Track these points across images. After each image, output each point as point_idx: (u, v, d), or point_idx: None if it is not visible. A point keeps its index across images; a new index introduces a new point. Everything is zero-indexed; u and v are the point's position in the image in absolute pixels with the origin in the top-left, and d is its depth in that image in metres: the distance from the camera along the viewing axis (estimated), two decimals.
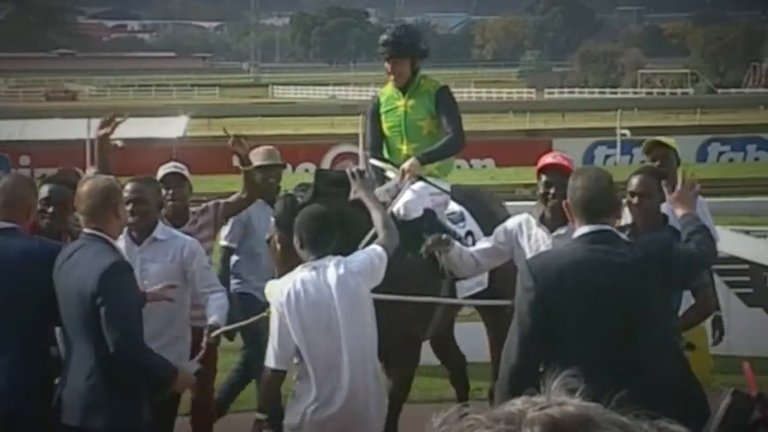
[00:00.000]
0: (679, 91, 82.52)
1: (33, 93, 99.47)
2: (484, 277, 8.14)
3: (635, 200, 6.97)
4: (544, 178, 7.31)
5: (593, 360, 5.37)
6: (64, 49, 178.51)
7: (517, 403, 1.22)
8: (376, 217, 6.96)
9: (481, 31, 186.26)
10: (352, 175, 7.13)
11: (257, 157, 8.58)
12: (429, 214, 7.95)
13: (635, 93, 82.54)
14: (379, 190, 7.70)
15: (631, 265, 5.65)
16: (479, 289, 8.19)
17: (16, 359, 6.24)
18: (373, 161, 8.12)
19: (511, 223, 7.52)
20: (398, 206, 7.81)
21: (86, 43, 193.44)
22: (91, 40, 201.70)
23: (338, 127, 33.52)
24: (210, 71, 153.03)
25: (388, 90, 8.32)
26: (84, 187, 6.28)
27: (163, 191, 7.87)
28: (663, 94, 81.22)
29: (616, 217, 5.96)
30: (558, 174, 7.11)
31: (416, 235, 7.62)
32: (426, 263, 7.69)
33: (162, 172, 8.25)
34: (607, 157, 35.64)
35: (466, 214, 8.37)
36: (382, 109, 8.27)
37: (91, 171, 8.33)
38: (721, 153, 37.59)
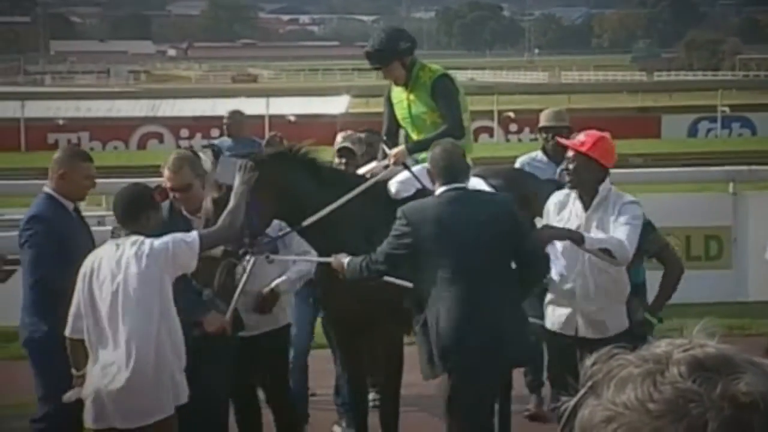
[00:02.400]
0: None
1: (221, 76, 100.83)
2: None
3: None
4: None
5: (453, 293, 5.94)
6: (247, 39, 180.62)
7: (662, 345, 1.20)
8: (227, 210, 6.17)
9: (599, 22, 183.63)
10: (240, 168, 6.36)
11: None
12: (421, 193, 6.89)
13: (733, 75, 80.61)
14: (364, 170, 7.16)
15: (483, 216, 6.07)
16: None
17: None
18: (384, 147, 7.30)
19: (550, 200, 6.57)
20: (391, 184, 7.02)
21: (265, 35, 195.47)
22: (269, 31, 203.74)
23: (476, 105, 33.26)
24: None
25: None
26: None
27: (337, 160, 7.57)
28: (758, 76, 79.15)
29: (466, 177, 6.29)
30: (582, 158, 6.26)
31: None
32: None
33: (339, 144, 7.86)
34: (708, 131, 34.91)
35: None
36: (393, 100, 7.42)
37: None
38: None
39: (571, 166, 6.25)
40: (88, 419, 5.74)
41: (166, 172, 6.56)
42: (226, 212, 6.13)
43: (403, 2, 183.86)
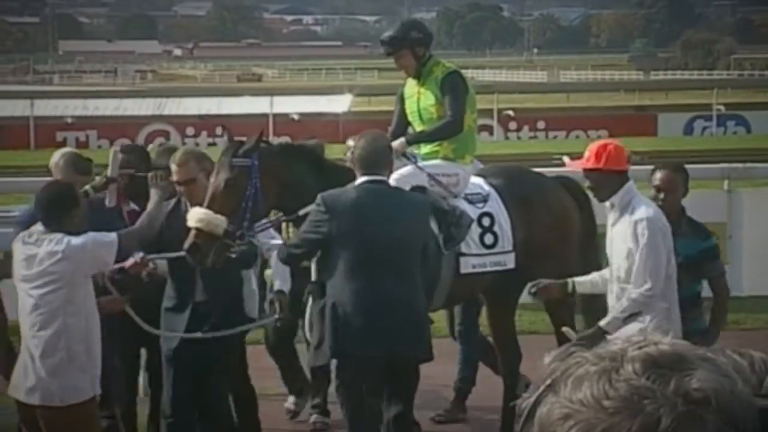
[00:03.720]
0: (767, 72, 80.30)
1: (226, 76, 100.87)
2: (507, 258, 7.23)
3: (661, 196, 6.30)
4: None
5: (355, 283, 6.06)
6: (251, 39, 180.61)
7: (618, 343, 1.21)
8: (147, 212, 6.32)
9: (596, 22, 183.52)
10: (152, 178, 6.44)
11: None
12: (417, 191, 6.87)
13: (729, 74, 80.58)
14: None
15: (397, 208, 6.20)
16: (498, 268, 7.20)
17: None
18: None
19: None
20: (390, 179, 6.84)
21: (270, 35, 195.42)
22: (273, 32, 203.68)
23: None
24: (370, 57, 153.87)
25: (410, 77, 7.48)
26: None
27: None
28: (753, 75, 79.11)
29: (388, 171, 6.33)
30: (593, 174, 5.99)
31: None
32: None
33: None
34: (704, 129, 34.91)
35: (494, 195, 7.26)
36: (406, 95, 7.41)
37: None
38: None
39: (590, 184, 6.02)
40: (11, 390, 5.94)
41: (172, 166, 6.57)
42: (145, 214, 6.24)
43: (405, 3, 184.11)
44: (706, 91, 40.04)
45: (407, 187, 6.93)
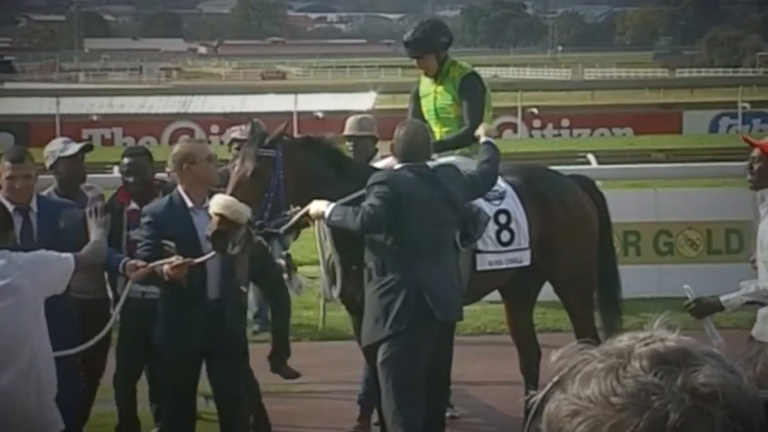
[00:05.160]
0: None
1: (251, 73, 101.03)
2: (524, 255, 7.20)
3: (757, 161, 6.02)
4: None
5: (419, 250, 6.26)
6: (276, 37, 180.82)
7: (624, 340, 1.22)
8: (94, 240, 6.00)
9: (621, 20, 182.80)
10: (89, 213, 6.16)
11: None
12: None
13: (754, 72, 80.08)
14: (381, 164, 7.13)
15: (438, 187, 6.36)
16: (514, 265, 7.18)
17: None
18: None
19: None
20: None
21: (294, 32, 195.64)
22: (297, 29, 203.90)
23: (500, 101, 33.26)
24: (394, 55, 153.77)
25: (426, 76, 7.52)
26: None
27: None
28: None
29: (426, 158, 6.47)
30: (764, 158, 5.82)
31: None
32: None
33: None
34: (729, 126, 34.75)
35: (511, 192, 7.24)
36: (421, 94, 7.46)
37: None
38: None
39: (756, 166, 5.77)
40: None
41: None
42: (93, 242, 5.92)
43: (429, 0, 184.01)
44: (731, 88, 39.82)
45: None
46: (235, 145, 8.10)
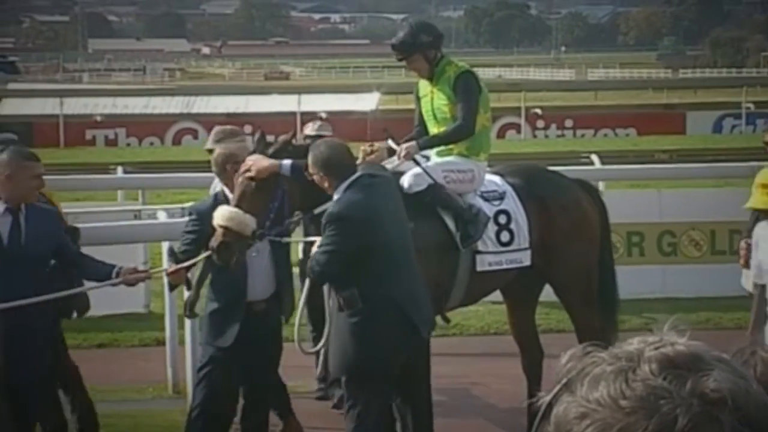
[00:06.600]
0: None
1: (254, 74, 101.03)
2: (524, 255, 7.22)
3: None
4: None
5: (394, 263, 5.97)
6: (279, 37, 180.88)
7: (634, 343, 1.22)
8: None
9: (625, 20, 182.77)
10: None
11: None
12: (433, 188, 6.95)
13: (758, 72, 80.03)
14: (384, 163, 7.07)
15: (396, 199, 6.19)
16: (515, 266, 7.19)
17: None
18: (391, 143, 7.20)
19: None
20: (404, 179, 6.94)
21: (297, 33, 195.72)
22: (301, 30, 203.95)
23: (504, 102, 33.29)
24: None
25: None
26: None
27: None
28: None
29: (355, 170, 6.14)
30: None
31: (420, 207, 6.84)
32: (440, 234, 6.97)
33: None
34: (733, 127, 34.71)
35: (511, 193, 7.26)
36: (420, 95, 7.41)
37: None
38: None
39: None
40: None
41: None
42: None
43: (432, 1, 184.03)
44: (735, 89, 39.81)
45: (423, 185, 6.97)
46: (308, 141, 8.04)
